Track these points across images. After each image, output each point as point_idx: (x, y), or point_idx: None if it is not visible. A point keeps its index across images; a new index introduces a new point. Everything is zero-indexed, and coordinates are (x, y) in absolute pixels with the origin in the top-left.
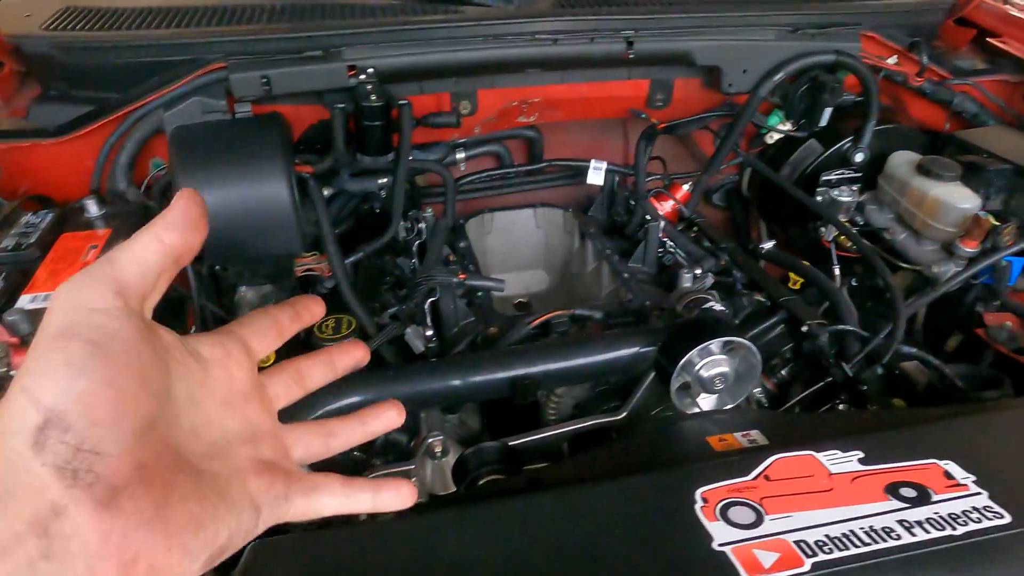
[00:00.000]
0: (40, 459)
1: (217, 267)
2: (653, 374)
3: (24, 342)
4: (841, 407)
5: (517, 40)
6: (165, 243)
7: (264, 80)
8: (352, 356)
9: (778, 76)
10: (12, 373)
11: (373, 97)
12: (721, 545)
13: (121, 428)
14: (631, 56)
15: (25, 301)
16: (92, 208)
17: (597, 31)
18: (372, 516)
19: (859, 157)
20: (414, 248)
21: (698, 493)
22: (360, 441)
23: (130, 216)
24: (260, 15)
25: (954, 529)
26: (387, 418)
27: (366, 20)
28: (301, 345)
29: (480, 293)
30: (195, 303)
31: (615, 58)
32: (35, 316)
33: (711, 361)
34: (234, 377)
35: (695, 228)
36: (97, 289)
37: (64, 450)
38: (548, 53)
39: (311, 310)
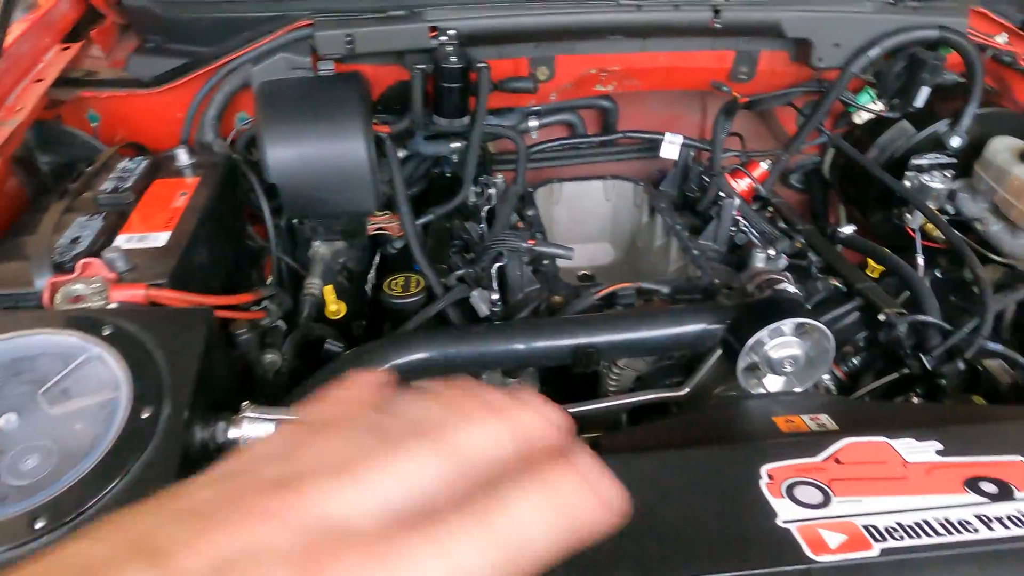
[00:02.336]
0: None
1: (295, 220)
2: (719, 352)
3: (121, 279)
4: (915, 400)
5: (600, 5)
6: None
7: (348, 39)
8: None
9: (874, 52)
10: (111, 306)
11: (453, 59)
12: (786, 522)
13: None
14: (717, 25)
15: (122, 241)
16: (183, 157)
17: None
18: None
19: (956, 142)
20: (483, 213)
21: (763, 469)
22: None
23: (217, 167)
24: None
25: None
26: None
27: None
28: (368, 304)
29: (546, 261)
30: (273, 255)
31: (700, 27)
32: (130, 255)
33: (782, 342)
34: None
35: (770, 208)
36: None
37: None
38: (631, 19)
39: None
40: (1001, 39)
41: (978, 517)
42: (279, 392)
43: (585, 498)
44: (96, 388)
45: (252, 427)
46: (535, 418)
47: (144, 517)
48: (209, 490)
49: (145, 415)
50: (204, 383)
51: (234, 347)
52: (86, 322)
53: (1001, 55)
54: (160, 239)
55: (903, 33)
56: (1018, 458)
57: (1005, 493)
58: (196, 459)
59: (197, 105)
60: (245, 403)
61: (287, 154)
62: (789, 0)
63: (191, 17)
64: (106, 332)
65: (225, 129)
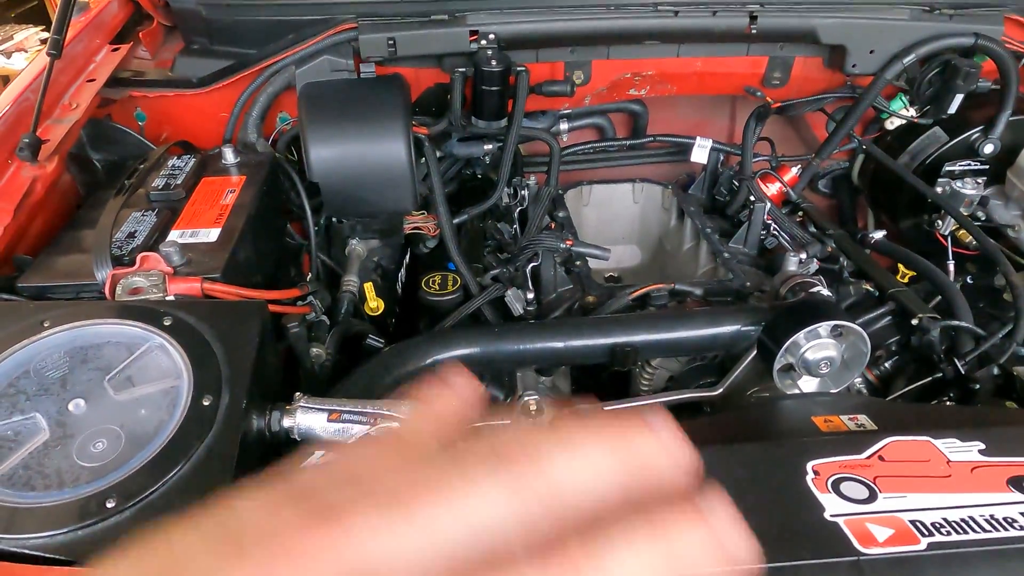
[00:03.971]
0: None
1: (334, 219)
2: (753, 353)
3: (177, 272)
4: (951, 404)
5: (639, 10)
6: None
7: (390, 42)
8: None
9: (908, 59)
10: (169, 298)
11: (493, 62)
12: (834, 516)
13: None
14: (753, 31)
15: (175, 236)
16: (229, 156)
17: (721, 3)
18: None
19: (989, 148)
20: (515, 214)
21: (809, 465)
22: None
23: (261, 166)
24: None
25: None
26: None
27: None
28: (398, 301)
29: (578, 262)
30: (312, 253)
31: (736, 32)
32: (184, 249)
33: (818, 344)
34: None
35: (800, 213)
36: None
37: None
38: (668, 25)
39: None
40: None
41: (1023, 515)
42: (323, 385)
43: (710, 555)
44: (158, 376)
45: (305, 416)
46: (657, 450)
47: (176, 542)
48: (245, 516)
49: (206, 403)
50: (259, 373)
51: (283, 340)
52: (147, 313)
53: None
54: (211, 235)
55: (938, 40)
56: None
57: None
58: (253, 445)
59: (242, 105)
60: (298, 394)
61: (329, 154)
62: (825, 6)
63: (236, 20)
64: (166, 323)
65: (268, 129)
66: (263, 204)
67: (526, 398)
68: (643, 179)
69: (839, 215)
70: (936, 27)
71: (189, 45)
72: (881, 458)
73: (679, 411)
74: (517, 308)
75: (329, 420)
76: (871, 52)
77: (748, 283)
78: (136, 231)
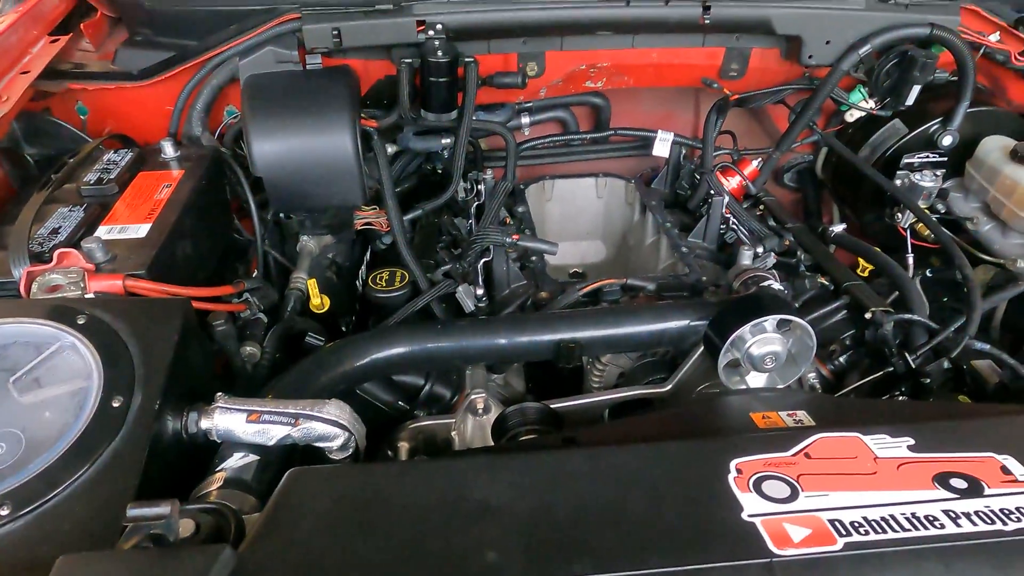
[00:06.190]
0: None
1: (282, 215)
2: (702, 348)
3: (99, 269)
4: (901, 399)
5: (589, 1)
6: None
7: (335, 32)
8: None
9: (864, 49)
10: (88, 296)
11: (440, 53)
12: (751, 516)
13: None
14: (707, 21)
15: (102, 232)
16: (168, 150)
17: None
18: (411, 455)
19: (947, 140)
20: (472, 209)
21: (733, 464)
22: None
23: (202, 160)
24: None
25: (1005, 524)
26: None
27: None
28: (357, 298)
29: (533, 257)
30: (258, 248)
31: (690, 23)
32: (110, 246)
33: (763, 339)
34: None
35: (761, 206)
36: None
37: None
38: (620, 15)
39: None
40: (994, 37)
41: (946, 512)
42: (260, 384)
43: None
44: (68, 377)
45: (224, 418)
46: None
47: None
48: None
49: (116, 404)
50: (178, 373)
51: (212, 339)
52: (60, 311)
53: (994, 53)
54: (141, 230)
55: (894, 30)
56: (989, 455)
57: (974, 489)
58: (167, 448)
59: (185, 98)
60: (219, 394)
61: (272, 147)
62: None
63: (180, 10)
64: (80, 321)
65: (215, 123)
66: (203, 199)
67: (473, 396)
68: (606, 173)
69: (803, 209)
70: (892, 17)
71: (133, 37)
72: (807, 455)
73: (631, 408)
74: (468, 304)
75: (248, 421)
76: (827, 43)
77: (704, 277)
78: (60, 227)
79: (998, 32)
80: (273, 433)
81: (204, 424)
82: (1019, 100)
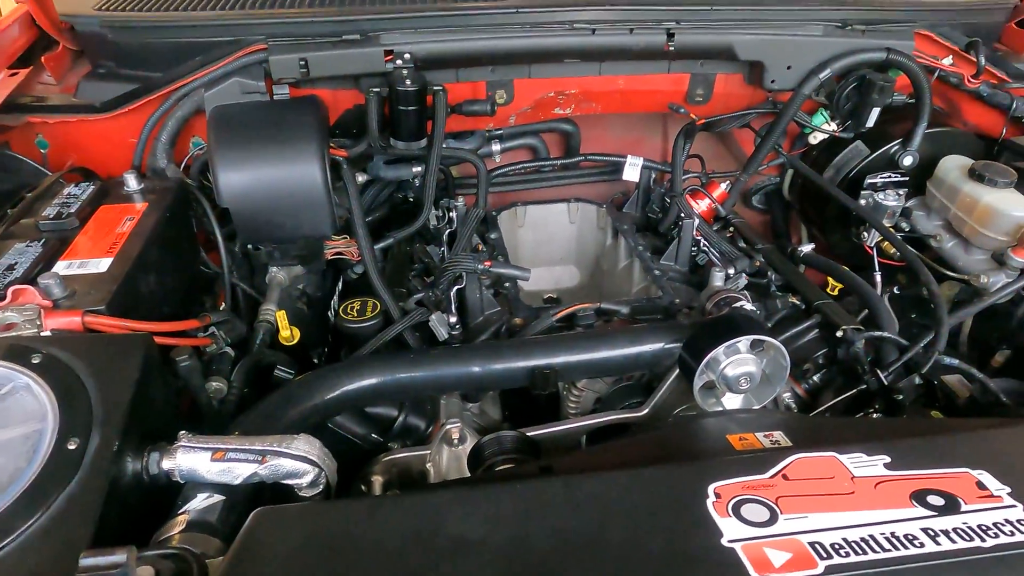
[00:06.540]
0: None
1: (250, 246)
2: (677, 371)
3: (57, 305)
4: (875, 416)
5: (555, 29)
6: None
7: (302, 63)
8: None
9: (824, 73)
10: (45, 334)
11: (408, 82)
12: (731, 541)
13: None
14: (671, 48)
15: (61, 267)
16: (131, 182)
17: (637, 21)
18: (385, 489)
19: (908, 160)
20: (444, 237)
21: (711, 488)
22: None
23: (167, 192)
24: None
25: (983, 540)
26: None
27: (405, 5)
28: (329, 328)
29: (507, 284)
30: (226, 281)
31: (655, 50)
32: (69, 281)
33: (737, 359)
34: None
35: (731, 228)
36: None
37: None
38: (586, 43)
39: None
40: (947, 61)
41: (924, 531)
42: (227, 420)
43: None
44: (22, 419)
45: (187, 457)
46: None
47: None
48: None
49: (72, 447)
50: (139, 412)
51: (176, 375)
52: (14, 350)
53: (948, 76)
54: (101, 265)
55: (851, 55)
56: (964, 470)
57: (951, 506)
58: (127, 491)
59: (149, 130)
60: (183, 432)
61: (239, 178)
62: (741, 23)
63: (143, 42)
64: (35, 360)
65: (180, 155)
66: (167, 232)
67: (448, 426)
68: (578, 199)
69: (773, 229)
70: (849, 43)
71: (95, 69)
72: (785, 477)
73: (608, 433)
74: (441, 332)
75: (213, 460)
76: (788, 68)
77: (677, 300)
78: (16, 263)
79: (951, 56)
80: (239, 471)
81: (166, 464)
82: (975, 120)
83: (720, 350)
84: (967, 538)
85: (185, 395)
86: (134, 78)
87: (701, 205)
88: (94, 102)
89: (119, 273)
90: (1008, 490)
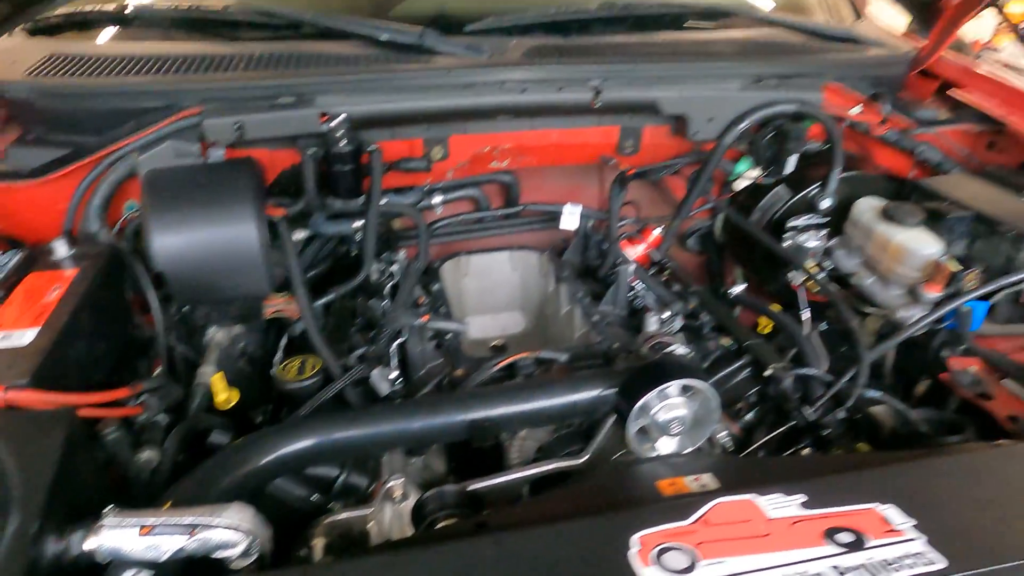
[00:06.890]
0: None
1: (185, 308)
2: (614, 417)
3: None
4: (806, 451)
5: (487, 89)
6: None
7: (237, 125)
8: None
9: (743, 125)
10: None
11: (343, 142)
12: None
13: None
14: (598, 105)
15: None
16: (60, 249)
17: (565, 80)
18: (326, 552)
19: (825, 203)
20: (387, 290)
21: (635, 538)
22: None
23: (99, 257)
24: (237, 64)
25: (887, 575)
26: None
27: (339, 68)
28: (267, 387)
29: (448, 335)
30: (161, 344)
31: (583, 106)
32: None
33: (668, 404)
34: None
35: (667, 272)
36: None
37: None
38: (517, 101)
39: None
40: (855, 110)
41: (834, 568)
42: (160, 491)
43: None
44: None
45: (112, 535)
46: None
47: None
48: None
49: None
50: (61, 490)
51: (104, 448)
52: None
53: (856, 124)
54: (26, 337)
55: (767, 107)
56: (869, 506)
57: (857, 543)
58: (47, 574)
59: (81, 195)
60: (108, 508)
61: (173, 241)
62: (664, 79)
63: (74, 108)
64: None
65: (113, 219)
66: (98, 298)
67: (391, 483)
68: (519, 247)
69: (708, 271)
70: (764, 96)
71: (24, 135)
72: (706, 522)
73: (550, 482)
74: (383, 388)
75: (140, 535)
76: (710, 120)
77: (616, 344)
78: None
79: (860, 105)
80: (166, 547)
81: (89, 544)
82: (885, 164)
83: (651, 396)
84: (871, 573)
85: (115, 467)
86: (66, 143)
87: (637, 250)
88: (21, 169)
89: (45, 344)
90: (914, 523)
